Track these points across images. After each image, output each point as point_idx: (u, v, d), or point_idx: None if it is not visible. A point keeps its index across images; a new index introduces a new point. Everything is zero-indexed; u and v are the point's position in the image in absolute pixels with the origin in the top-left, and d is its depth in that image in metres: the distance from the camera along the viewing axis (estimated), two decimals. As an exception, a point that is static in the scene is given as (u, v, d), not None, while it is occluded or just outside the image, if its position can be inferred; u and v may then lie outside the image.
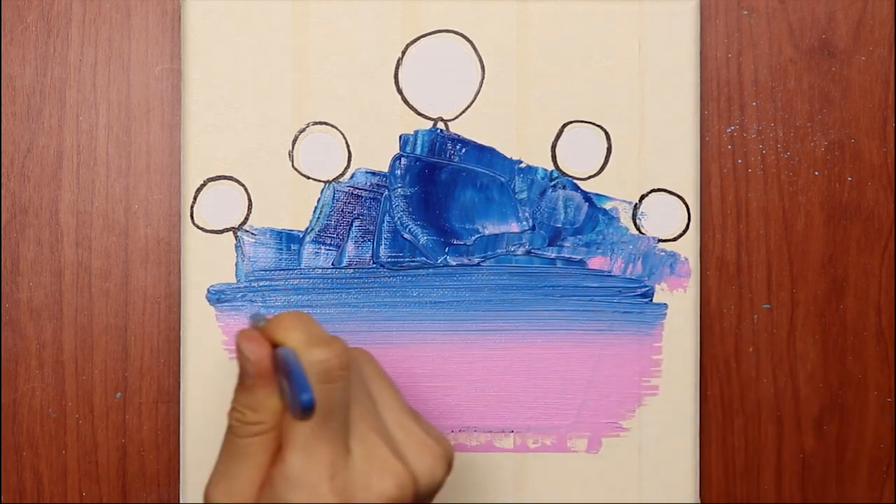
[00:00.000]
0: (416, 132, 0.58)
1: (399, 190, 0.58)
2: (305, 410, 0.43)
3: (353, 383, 0.46)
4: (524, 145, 0.58)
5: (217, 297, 0.57)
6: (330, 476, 0.44)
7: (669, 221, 0.59)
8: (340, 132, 0.58)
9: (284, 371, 0.44)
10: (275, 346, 0.45)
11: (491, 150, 0.58)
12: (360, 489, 0.44)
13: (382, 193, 0.58)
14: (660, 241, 0.59)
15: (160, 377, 0.59)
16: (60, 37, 0.59)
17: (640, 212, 0.59)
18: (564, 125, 0.59)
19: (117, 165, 0.60)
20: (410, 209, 0.58)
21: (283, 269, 0.58)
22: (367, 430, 0.45)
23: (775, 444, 0.61)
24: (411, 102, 0.58)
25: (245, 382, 0.46)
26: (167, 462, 0.59)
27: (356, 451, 0.45)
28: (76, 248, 0.59)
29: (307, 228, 0.58)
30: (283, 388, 0.45)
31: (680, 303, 0.59)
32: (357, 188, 0.58)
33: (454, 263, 0.58)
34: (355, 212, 0.58)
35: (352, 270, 0.58)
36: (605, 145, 0.59)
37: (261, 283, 0.58)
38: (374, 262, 0.58)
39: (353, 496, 0.44)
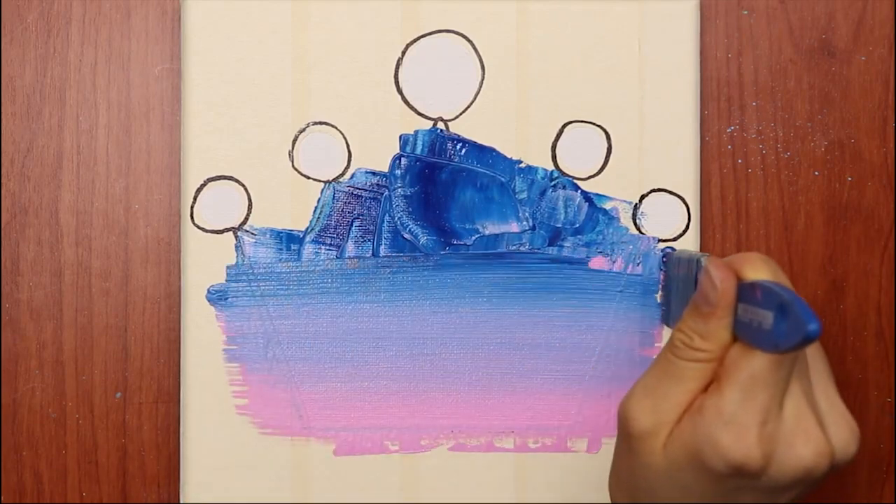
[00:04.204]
0: (416, 132, 0.58)
1: (399, 190, 0.58)
2: (808, 339, 0.41)
3: None
4: (524, 145, 0.58)
5: (217, 297, 0.57)
6: (762, 422, 0.43)
7: (669, 221, 0.59)
8: (340, 132, 0.58)
9: (775, 301, 0.43)
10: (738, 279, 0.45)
11: (491, 150, 0.58)
12: (783, 445, 0.44)
13: (382, 193, 0.58)
14: (660, 241, 0.59)
15: (160, 377, 0.59)
16: (60, 37, 0.59)
17: (640, 212, 0.59)
18: (564, 125, 0.59)
19: (117, 165, 0.60)
20: (410, 209, 0.58)
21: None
22: (800, 391, 0.45)
23: (775, 444, 0.61)
24: (411, 102, 0.58)
25: (701, 309, 0.45)
26: (167, 462, 0.59)
27: (787, 407, 0.44)
28: (76, 248, 0.59)
29: (307, 228, 0.58)
30: (745, 320, 0.44)
31: (680, 303, 0.59)
32: (357, 188, 0.58)
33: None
34: (355, 212, 0.58)
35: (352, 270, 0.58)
36: (605, 145, 0.59)
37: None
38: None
39: (775, 450, 0.44)
